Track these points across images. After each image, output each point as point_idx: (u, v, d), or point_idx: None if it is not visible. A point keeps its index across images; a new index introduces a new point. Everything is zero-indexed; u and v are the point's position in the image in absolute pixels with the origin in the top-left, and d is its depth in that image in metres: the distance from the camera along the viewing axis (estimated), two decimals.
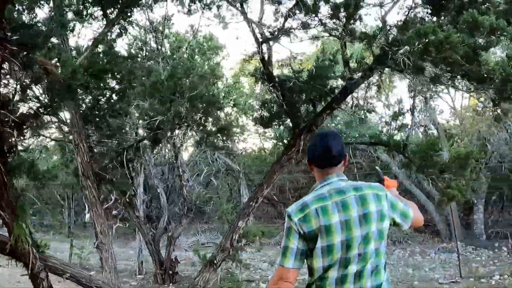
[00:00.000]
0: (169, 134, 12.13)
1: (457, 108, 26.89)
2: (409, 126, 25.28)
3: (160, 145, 14.87)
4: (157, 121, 11.38)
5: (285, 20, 10.06)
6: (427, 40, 6.99)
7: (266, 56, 10.57)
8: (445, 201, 10.03)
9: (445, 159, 10.02)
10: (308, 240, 2.93)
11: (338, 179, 3.10)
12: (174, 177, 19.45)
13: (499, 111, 8.83)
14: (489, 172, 20.36)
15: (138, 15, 16.59)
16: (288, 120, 11.21)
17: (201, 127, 12.61)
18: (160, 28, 15.17)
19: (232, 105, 25.11)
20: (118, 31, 11.92)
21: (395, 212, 3.15)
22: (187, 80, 11.83)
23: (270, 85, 10.58)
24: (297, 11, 9.69)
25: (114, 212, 14.58)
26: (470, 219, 21.06)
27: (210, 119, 12.51)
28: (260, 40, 10.39)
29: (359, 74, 9.41)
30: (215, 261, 10.83)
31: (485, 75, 7.66)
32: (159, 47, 14.91)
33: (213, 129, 12.95)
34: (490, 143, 20.53)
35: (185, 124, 12.06)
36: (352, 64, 9.80)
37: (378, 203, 3.01)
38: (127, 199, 13.54)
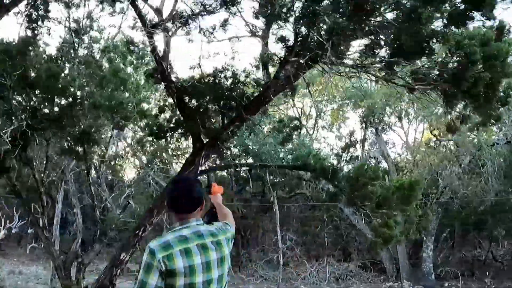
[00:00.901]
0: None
1: (409, 141, 25.89)
2: (359, 158, 24.32)
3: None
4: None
5: (176, 1, 8.47)
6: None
7: (160, 49, 8.80)
8: (379, 243, 8.62)
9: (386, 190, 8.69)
10: (167, 278, 2.99)
11: (196, 223, 3.23)
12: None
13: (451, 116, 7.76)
14: (440, 208, 19.20)
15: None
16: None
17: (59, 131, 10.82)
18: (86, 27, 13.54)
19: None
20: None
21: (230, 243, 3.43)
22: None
23: (164, 85, 8.80)
24: None
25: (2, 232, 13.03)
26: (419, 257, 19.71)
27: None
28: (149, 26, 8.51)
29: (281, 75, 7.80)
30: None
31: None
32: (77, 47, 13.22)
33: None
34: (442, 177, 19.42)
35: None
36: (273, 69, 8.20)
37: (228, 246, 3.31)
38: (34, 217, 12.05)
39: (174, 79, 8.86)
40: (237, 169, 25.97)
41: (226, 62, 9.19)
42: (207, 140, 8.56)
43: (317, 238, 23.25)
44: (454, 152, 20.30)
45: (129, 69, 13.97)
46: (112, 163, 22.65)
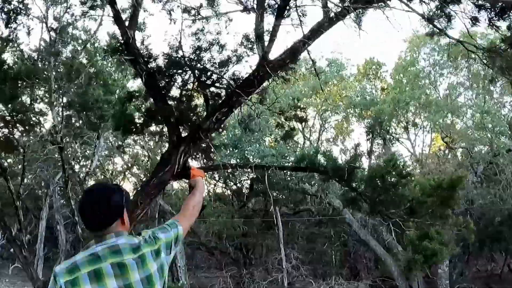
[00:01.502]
0: None
1: (416, 153, 24.76)
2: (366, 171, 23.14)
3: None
4: None
5: None
6: None
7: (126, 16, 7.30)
8: (419, 261, 7.18)
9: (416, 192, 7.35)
10: None
11: (116, 238, 2.70)
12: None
13: None
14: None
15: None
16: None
17: None
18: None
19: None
20: None
21: (168, 251, 2.89)
22: None
23: (130, 60, 6.97)
24: None
25: None
26: (432, 273, 18.33)
27: None
28: None
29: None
30: None
31: None
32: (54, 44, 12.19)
33: None
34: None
35: None
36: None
37: (157, 258, 2.76)
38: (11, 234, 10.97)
39: (144, 53, 7.30)
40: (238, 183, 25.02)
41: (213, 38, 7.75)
42: (187, 132, 6.99)
43: (324, 256, 21.97)
44: (468, 159, 19.16)
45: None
46: (101, 176, 21.35)
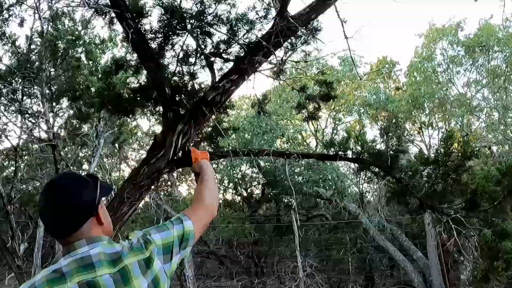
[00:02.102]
0: None
1: (432, 156, 23.81)
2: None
3: None
4: None
5: None
6: None
7: None
8: (500, 268, 6.15)
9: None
10: None
11: (88, 247, 2.00)
12: None
13: None
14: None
15: None
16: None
17: None
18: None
19: None
20: None
21: (168, 256, 2.18)
22: None
23: (115, 14, 5.60)
24: None
25: None
26: (453, 279, 17.39)
27: None
28: None
29: None
30: None
31: None
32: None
33: None
34: None
35: None
36: None
37: (148, 271, 2.04)
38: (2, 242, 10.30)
39: (132, 5, 5.95)
40: (249, 188, 24.24)
41: None
42: (187, 107, 5.72)
43: (340, 263, 21.04)
44: (494, 156, 18.26)
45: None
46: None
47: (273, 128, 19.55)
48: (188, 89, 6.45)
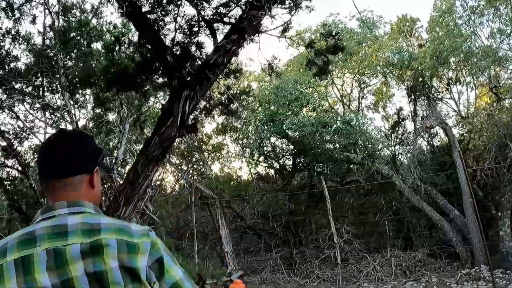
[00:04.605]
0: None
1: (462, 113, 23.23)
2: (412, 133, 21.98)
3: None
4: None
5: None
6: None
7: None
8: None
9: None
10: None
11: (68, 210, 1.87)
12: None
13: None
14: None
15: None
16: None
17: None
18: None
19: None
20: None
21: (163, 280, 1.89)
22: None
23: None
24: None
25: None
26: (492, 235, 17.09)
27: None
28: None
29: None
30: None
31: None
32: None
33: None
34: None
35: None
36: None
37: (126, 256, 1.79)
38: None
39: None
40: (280, 159, 24.14)
41: None
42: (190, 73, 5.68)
43: (376, 228, 20.91)
44: None
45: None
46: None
47: (298, 97, 19.39)
48: (190, 55, 6.35)
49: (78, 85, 11.96)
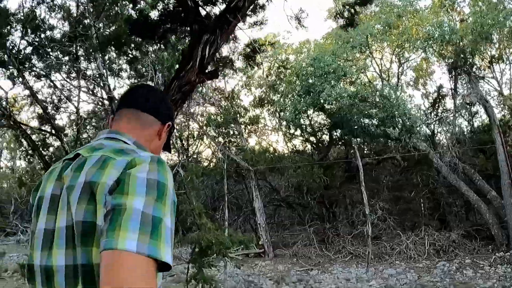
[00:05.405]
0: None
1: (505, 93, 22.56)
2: (451, 111, 21.52)
3: None
4: None
5: None
6: None
7: None
8: None
9: None
10: None
11: (105, 135, 1.84)
12: None
13: None
14: None
15: None
16: None
17: None
18: None
19: None
20: None
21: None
22: None
23: None
24: None
25: None
26: None
27: None
28: None
29: None
30: None
31: None
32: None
33: None
34: None
35: None
36: None
37: (95, 170, 1.57)
38: None
39: None
40: (317, 133, 23.93)
41: None
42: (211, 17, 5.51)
43: (411, 205, 20.66)
44: None
45: None
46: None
47: (335, 69, 19.09)
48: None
49: (107, 46, 11.95)
